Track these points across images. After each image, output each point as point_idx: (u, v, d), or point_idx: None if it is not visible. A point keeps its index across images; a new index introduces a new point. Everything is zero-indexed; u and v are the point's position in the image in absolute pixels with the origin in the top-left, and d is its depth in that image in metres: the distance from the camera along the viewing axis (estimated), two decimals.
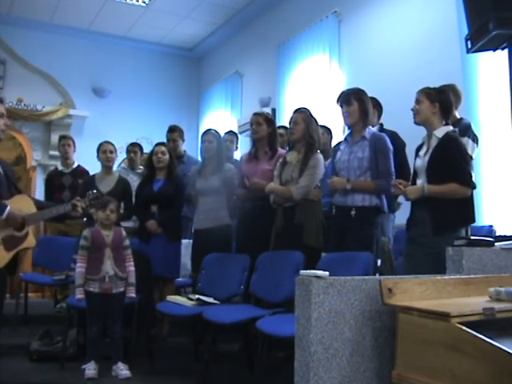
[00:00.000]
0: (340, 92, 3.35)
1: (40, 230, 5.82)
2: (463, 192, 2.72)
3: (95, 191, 3.18)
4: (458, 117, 3.47)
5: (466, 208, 2.74)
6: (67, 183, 4.98)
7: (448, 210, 2.70)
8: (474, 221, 2.81)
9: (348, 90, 3.29)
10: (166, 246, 4.00)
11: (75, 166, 5.12)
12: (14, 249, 2.51)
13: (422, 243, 2.75)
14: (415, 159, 2.97)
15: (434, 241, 2.69)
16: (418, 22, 4.55)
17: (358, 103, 3.16)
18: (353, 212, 3.07)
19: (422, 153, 2.90)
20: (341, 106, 3.24)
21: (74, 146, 5.16)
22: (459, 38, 3.83)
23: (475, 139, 3.37)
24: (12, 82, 7.12)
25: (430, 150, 2.81)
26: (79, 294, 3.22)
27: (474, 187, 2.78)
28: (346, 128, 3.34)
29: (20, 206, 2.56)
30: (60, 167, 5.17)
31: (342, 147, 3.31)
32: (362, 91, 3.23)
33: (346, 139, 3.32)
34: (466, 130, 3.33)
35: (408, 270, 2.72)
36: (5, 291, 2.78)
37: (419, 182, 2.87)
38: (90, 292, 3.23)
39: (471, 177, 2.78)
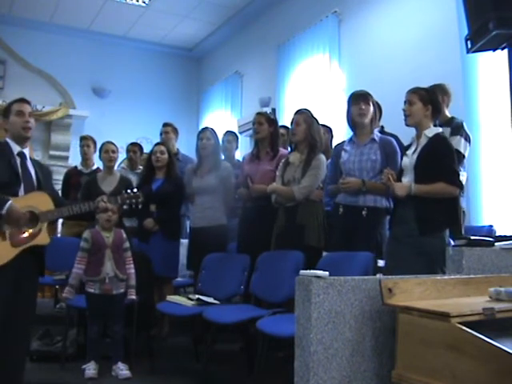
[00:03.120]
0: (355, 91, 3.32)
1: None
2: (451, 191, 2.72)
3: (136, 190, 3.07)
4: (449, 116, 3.46)
5: (451, 208, 2.74)
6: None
7: (433, 209, 2.70)
8: (458, 221, 2.80)
9: (365, 91, 3.27)
10: (165, 246, 4.00)
11: (95, 167, 5.09)
12: (21, 245, 2.47)
13: (406, 242, 2.75)
14: (402, 158, 2.97)
15: (420, 240, 2.68)
16: (418, 22, 4.55)
17: (373, 105, 3.21)
18: (364, 212, 3.07)
19: (409, 152, 2.90)
20: (353, 104, 3.21)
21: (95, 147, 5.12)
22: (459, 38, 3.83)
23: (467, 138, 3.37)
24: (12, 82, 7.12)
25: (419, 149, 2.82)
26: (67, 293, 3.21)
27: (462, 187, 2.78)
28: (349, 128, 3.35)
29: (34, 202, 2.53)
30: (79, 167, 5.18)
31: (347, 148, 3.29)
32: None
33: (351, 140, 3.32)
34: (458, 128, 3.33)
35: (391, 268, 2.71)
36: (36, 292, 2.76)
37: (405, 179, 2.87)
38: (91, 293, 3.23)
39: (459, 177, 2.78)
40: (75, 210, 2.68)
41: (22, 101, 2.73)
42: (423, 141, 2.82)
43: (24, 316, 2.56)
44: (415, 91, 2.87)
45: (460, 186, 2.76)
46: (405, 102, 2.90)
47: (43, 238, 2.56)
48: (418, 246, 2.68)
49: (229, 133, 4.94)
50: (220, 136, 4.72)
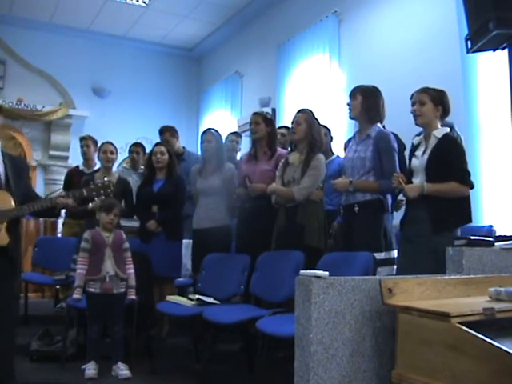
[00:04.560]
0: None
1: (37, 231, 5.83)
2: (463, 190, 2.73)
3: (106, 179, 2.98)
4: None
5: (463, 207, 2.75)
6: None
7: (446, 208, 2.71)
8: (470, 220, 2.81)
9: (359, 85, 3.26)
10: (167, 246, 4.00)
11: (97, 167, 5.07)
12: None
13: (419, 242, 2.75)
14: (410, 159, 2.97)
15: (433, 240, 2.69)
16: (418, 22, 4.55)
17: (362, 98, 3.15)
18: (356, 208, 3.08)
19: (419, 153, 2.90)
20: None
21: (95, 147, 5.06)
22: (459, 38, 3.83)
23: (459, 139, 3.37)
24: (12, 82, 7.12)
25: (429, 150, 2.82)
26: (76, 294, 3.22)
27: (473, 186, 2.78)
28: (353, 124, 3.35)
29: None
30: (81, 167, 5.18)
31: (349, 144, 3.33)
32: (372, 89, 3.20)
33: (354, 136, 3.32)
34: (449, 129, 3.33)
35: (405, 269, 2.71)
36: (11, 291, 2.72)
37: (416, 181, 2.87)
38: (91, 292, 3.24)
39: (470, 176, 2.79)
40: (36, 208, 2.63)
41: None
42: (432, 141, 2.82)
43: (2, 316, 2.54)
44: (425, 91, 2.86)
45: (471, 185, 2.76)
46: (414, 101, 2.89)
47: (2, 239, 2.53)
48: (430, 246, 2.68)
49: (234, 133, 4.97)
50: (225, 136, 4.75)
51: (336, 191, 3.25)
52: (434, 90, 2.88)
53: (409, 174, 2.94)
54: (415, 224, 2.81)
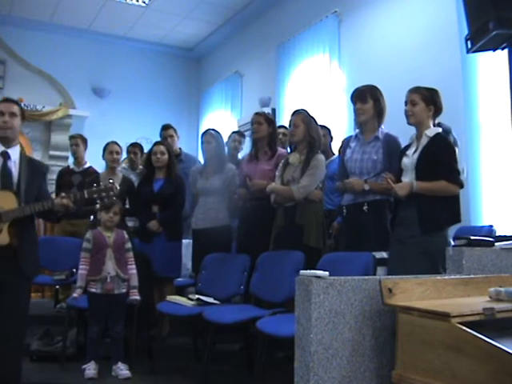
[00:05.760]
0: (354, 88, 3.27)
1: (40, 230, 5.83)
2: (452, 190, 2.73)
3: (111, 181, 2.91)
4: (436, 121, 3.46)
5: (453, 206, 2.75)
6: (76, 182, 4.92)
7: (435, 208, 2.70)
8: (459, 220, 2.80)
9: (364, 86, 3.22)
10: (166, 246, 4.00)
11: (87, 166, 5.06)
12: None
13: (409, 243, 2.74)
14: (402, 158, 2.95)
15: (423, 240, 2.68)
16: (418, 22, 4.56)
17: (373, 101, 3.14)
18: (365, 207, 3.06)
19: (410, 152, 2.89)
20: (353, 103, 3.20)
21: (85, 145, 5.07)
22: (459, 38, 3.83)
23: (455, 142, 3.37)
24: (12, 82, 7.13)
25: (420, 149, 2.82)
26: (76, 294, 3.23)
27: (462, 186, 2.78)
28: (357, 125, 3.28)
29: None
30: (72, 165, 5.17)
31: (352, 144, 3.27)
32: (378, 89, 3.19)
33: (356, 136, 3.28)
34: (446, 133, 3.33)
35: (397, 270, 2.69)
36: (20, 291, 2.70)
37: (405, 179, 2.85)
38: (93, 293, 3.24)
39: (460, 175, 2.78)
40: (37, 208, 2.62)
41: (5, 101, 2.70)
42: (424, 140, 2.82)
43: (10, 317, 2.54)
44: (417, 91, 2.85)
45: (461, 184, 2.76)
46: (406, 101, 2.88)
47: (2, 239, 2.53)
48: (422, 246, 2.67)
49: (237, 132, 4.98)
50: (228, 135, 4.76)
51: (351, 190, 3.14)
52: (425, 89, 2.86)
53: (399, 172, 2.93)
54: (405, 225, 2.79)
